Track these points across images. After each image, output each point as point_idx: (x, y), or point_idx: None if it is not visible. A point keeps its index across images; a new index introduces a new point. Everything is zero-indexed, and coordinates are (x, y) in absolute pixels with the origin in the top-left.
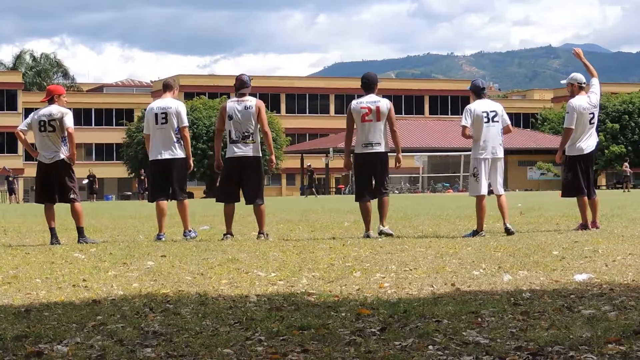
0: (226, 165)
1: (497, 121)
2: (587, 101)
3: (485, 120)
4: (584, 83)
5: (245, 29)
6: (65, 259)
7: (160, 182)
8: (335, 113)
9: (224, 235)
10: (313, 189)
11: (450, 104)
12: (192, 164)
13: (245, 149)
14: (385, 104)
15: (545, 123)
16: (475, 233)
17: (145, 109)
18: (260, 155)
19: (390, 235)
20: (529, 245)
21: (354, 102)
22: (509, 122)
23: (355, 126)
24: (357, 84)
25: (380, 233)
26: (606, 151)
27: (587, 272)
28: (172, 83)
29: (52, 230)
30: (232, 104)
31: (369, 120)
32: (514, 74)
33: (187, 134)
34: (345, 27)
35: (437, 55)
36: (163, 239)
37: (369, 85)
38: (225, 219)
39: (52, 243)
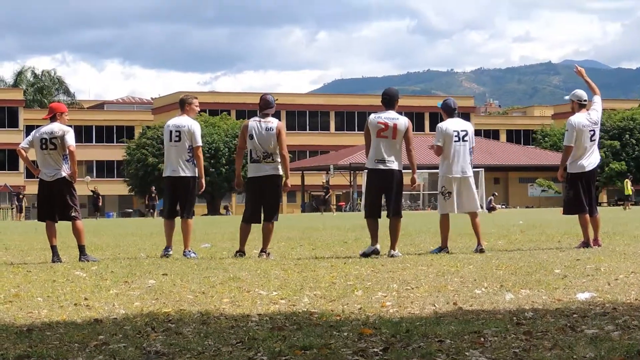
0: (249, 184)
1: (467, 140)
2: (587, 118)
3: (456, 139)
4: (585, 100)
5: (245, 46)
6: (67, 277)
7: (171, 199)
8: (335, 130)
9: (237, 252)
10: (331, 206)
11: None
12: (203, 184)
13: (267, 168)
14: (403, 122)
15: (546, 139)
16: (440, 250)
17: (146, 126)
18: (281, 174)
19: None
20: (530, 264)
21: (372, 116)
22: (474, 144)
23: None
24: (357, 100)
25: (391, 257)
26: (606, 168)
27: (589, 290)
28: (185, 100)
29: (54, 248)
30: (254, 124)
31: (384, 137)
32: (514, 91)
33: (200, 153)
34: (346, 44)
35: (437, 72)
36: (170, 252)
37: (389, 101)
38: (240, 237)
39: (53, 261)
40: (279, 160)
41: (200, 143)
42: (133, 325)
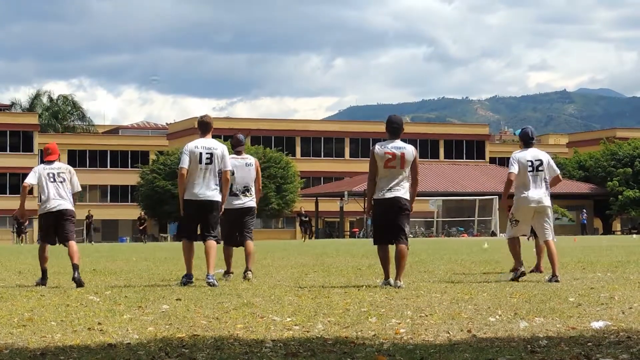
0: (229, 214)
1: (542, 170)
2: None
3: (530, 169)
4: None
5: (262, 72)
6: (81, 301)
7: (194, 221)
8: (350, 156)
9: (227, 273)
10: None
11: (465, 148)
12: (223, 208)
13: (246, 200)
14: (411, 152)
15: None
16: (516, 273)
17: (159, 152)
18: (255, 205)
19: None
20: (544, 292)
21: (377, 147)
22: (558, 172)
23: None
24: (372, 127)
25: (397, 287)
26: (620, 196)
27: (603, 319)
28: (211, 122)
29: (45, 272)
30: (233, 161)
31: (392, 167)
32: (529, 119)
33: (230, 177)
34: (362, 71)
35: (452, 100)
36: (192, 280)
37: (397, 130)
38: (227, 259)
39: (44, 284)
40: (253, 193)
41: (230, 167)
42: (147, 350)
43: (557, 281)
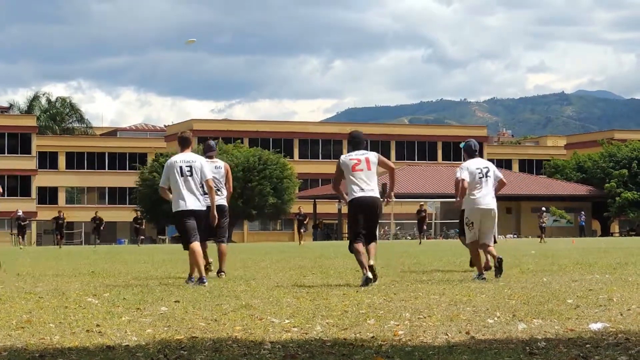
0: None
1: (490, 177)
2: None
3: (480, 175)
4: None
5: (261, 74)
6: (79, 303)
7: (191, 226)
8: None
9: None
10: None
11: (463, 150)
12: (216, 215)
13: (218, 199)
14: (373, 154)
15: (554, 171)
16: (479, 275)
17: (159, 154)
18: (226, 204)
19: (375, 276)
20: (543, 293)
21: (343, 157)
22: (501, 177)
23: (345, 178)
24: (370, 129)
25: (370, 268)
26: (617, 198)
27: (602, 321)
28: (189, 137)
29: None
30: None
31: (360, 170)
32: (527, 120)
33: (212, 184)
34: (361, 73)
35: (450, 101)
36: (205, 282)
37: (359, 142)
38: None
39: None
40: (225, 193)
41: (210, 176)
42: (145, 352)
43: (484, 279)
